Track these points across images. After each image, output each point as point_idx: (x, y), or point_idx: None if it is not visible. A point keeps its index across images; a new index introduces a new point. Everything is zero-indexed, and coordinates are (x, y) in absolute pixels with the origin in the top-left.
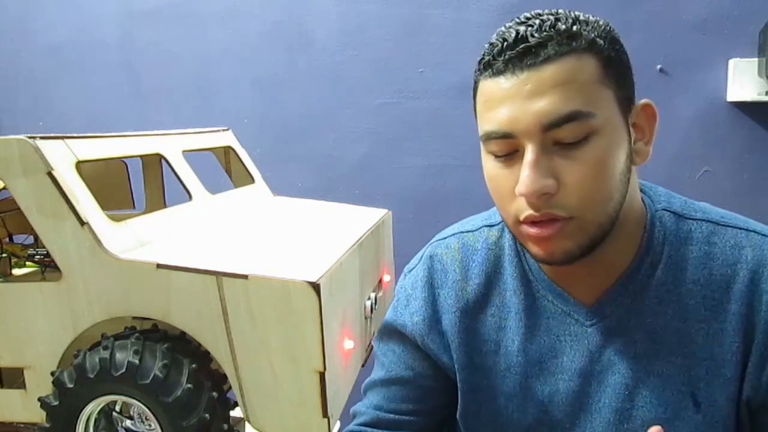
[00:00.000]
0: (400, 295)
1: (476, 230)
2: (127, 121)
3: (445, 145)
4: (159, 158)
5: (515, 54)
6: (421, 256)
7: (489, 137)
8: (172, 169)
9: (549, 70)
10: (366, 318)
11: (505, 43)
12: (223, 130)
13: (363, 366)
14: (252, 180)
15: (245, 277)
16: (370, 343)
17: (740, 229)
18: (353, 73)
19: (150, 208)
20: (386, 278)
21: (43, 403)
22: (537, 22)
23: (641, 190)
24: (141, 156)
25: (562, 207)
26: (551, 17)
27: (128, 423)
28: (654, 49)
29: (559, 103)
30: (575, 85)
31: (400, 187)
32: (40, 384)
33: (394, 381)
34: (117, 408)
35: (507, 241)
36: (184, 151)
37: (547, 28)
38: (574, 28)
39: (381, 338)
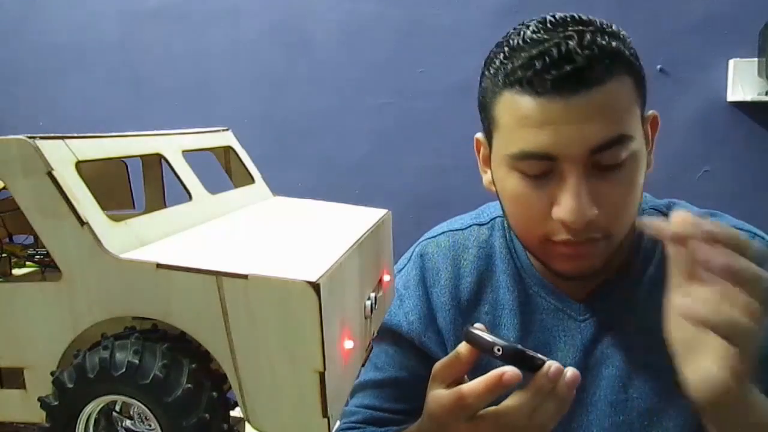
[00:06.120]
0: None
1: (466, 229)
2: (127, 121)
3: (445, 145)
4: (159, 158)
5: (562, 75)
6: (411, 256)
7: (525, 157)
8: (172, 169)
9: (597, 94)
10: (366, 318)
11: (548, 60)
12: (223, 130)
13: (363, 366)
14: (252, 180)
15: (245, 277)
16: (370, 343)
17: None
18: (353, 73)
19: (150, 208)
20: (386, 278)
21: (43, 403)
22: (574, 34)
23: None
24: (141, 156)
25: (598, 229)
26: (586, 29)
27: (128, 423)
28: (654, 49)
29: (606, 128)
30: (619, 109)
31: (400, 187)
32: (40, 384)
33: (387, 382)
34: (117, 408)
35: (497, 239)
36: (184, 151)
37: (589, 44)
38: (614, 44)
39: (373, 339)
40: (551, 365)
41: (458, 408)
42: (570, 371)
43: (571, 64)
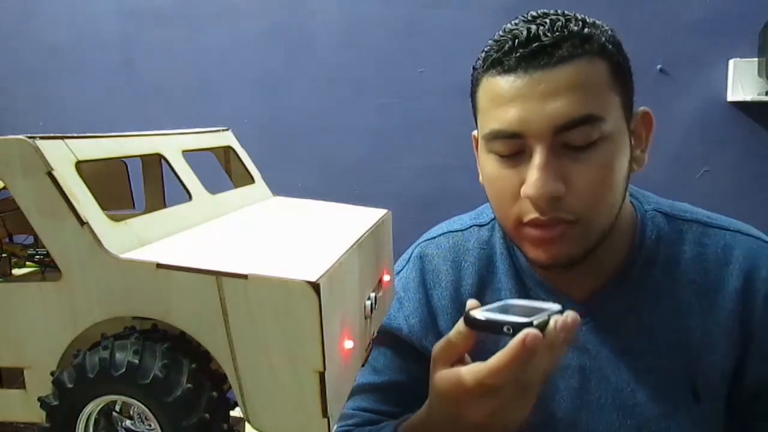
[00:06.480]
0: None
1: (466, 229)
2: (127, 121)
3: (445, 145)
4: (159, 158)
5: (528, 53)
6: (409, 257)
7: (495, 136)
8: (172, 169)
9: (563, 72)
10: (366, 318)
11: (517, 41)
12: (223, 130)
13: (363, 366)
14: (252, 180)
15: (245, 276)
16: (370, 343)
17: (727, 230)
18: (353, 73)
19: (150, 208)
20: (386, 278)
21: (43, 403)
22: (547, 21)
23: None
24: (141, 156)
25: (568, 211)
26: (561, 18)
27: (128, 423)
28: (654, 49)
29: (572, 106)
30: (588, 89)
31: (400, 187)
32: (40, 384)
33: (385, 385)
34: (117, 408)
35: (497, 240)
36: (184, 151)
37: (560, 29)
38: (586, 30)
39: (373, 340)
40: (556, 322)
41: (480, 388)
42: (570, 317)
43: (537, 42)
